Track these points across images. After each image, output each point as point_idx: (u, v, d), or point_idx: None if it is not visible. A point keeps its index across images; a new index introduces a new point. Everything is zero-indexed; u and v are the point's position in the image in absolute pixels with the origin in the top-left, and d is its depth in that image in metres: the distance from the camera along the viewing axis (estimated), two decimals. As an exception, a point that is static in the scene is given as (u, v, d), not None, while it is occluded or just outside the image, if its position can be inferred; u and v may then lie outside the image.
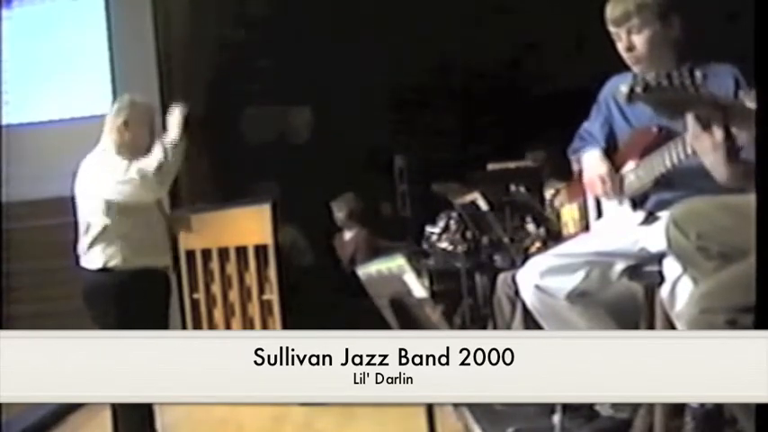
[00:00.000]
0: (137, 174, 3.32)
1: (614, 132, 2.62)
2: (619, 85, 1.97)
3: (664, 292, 2.23)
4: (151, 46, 6.63)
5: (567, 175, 2.94)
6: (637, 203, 2.48)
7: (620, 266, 2.42)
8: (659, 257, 2.24)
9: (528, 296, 2.51)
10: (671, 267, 2.16)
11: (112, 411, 3.41)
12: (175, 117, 3.44)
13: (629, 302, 2.45)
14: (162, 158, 3.34)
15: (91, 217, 3.44)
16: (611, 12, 2.42)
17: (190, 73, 6.96)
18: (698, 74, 1.83)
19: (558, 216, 3.13)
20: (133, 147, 3.46)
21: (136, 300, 3.32)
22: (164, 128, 3.49)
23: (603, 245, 2.47)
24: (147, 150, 3.46)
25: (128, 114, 3.49)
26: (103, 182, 3.40)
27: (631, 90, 1.85)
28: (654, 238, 2.26)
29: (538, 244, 4.14)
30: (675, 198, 2.23)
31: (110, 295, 3.36)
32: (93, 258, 3.44)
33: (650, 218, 2.42)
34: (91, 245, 3.44)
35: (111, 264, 3.40)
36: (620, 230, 2.47)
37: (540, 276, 2.46)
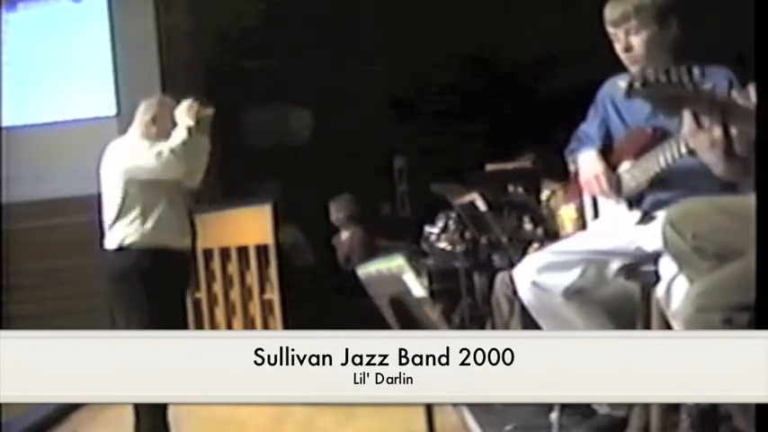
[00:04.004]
0: (164, 148, 3.42)
1: (610, 133, 2.64)
2: (617, 82, 1.97)
3: (659, 291, 2.24)
4: (153, 48, 6.64)
5: (563, 176, 2.95)
6: (633, 203, 2.49)
7: (615, 265, 2.43)
8: (655, 257, 2.24)
9: (524, 292, 2.51)
10: (666, 267, 2.17)
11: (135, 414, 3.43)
12: (185, 107, 3.54)
13: (625, 302, 2.46)
14: (186, 136, 3.45)
15: (113, 195, 3.49)
16: (609, 13, 2.43)
17: (192, 74, 6.96)
18: (696, 71, 1.84)
19: (554, 217, 3.14)
20: (158, 139, 3.55)
21: (153, 278, 3.36)
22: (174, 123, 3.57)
23: (600, 243, 2.47)
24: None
25: (156, 111, 3.60)
26: (128, 158, 3.48)
27: (630, 85, 1.86)
28: (650, 237, 2.26)
29: (536, 244, 4.14)
30: (671, 198, 2.24)
31: (129, 274, 3.40)
32: (112, 238, 3.48)
33: (646, 217, 2.43)
34: (112, 224, 3.49)
35: (128, 241, 3.44)
36: (617, 229, 2.48)
37: (536, 272, 2.46)
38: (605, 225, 2.61)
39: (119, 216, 3.47)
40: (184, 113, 3.52)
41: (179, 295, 3.59)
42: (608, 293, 2.46)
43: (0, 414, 3.20)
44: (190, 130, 3.47)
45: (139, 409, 3.39)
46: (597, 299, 2.46)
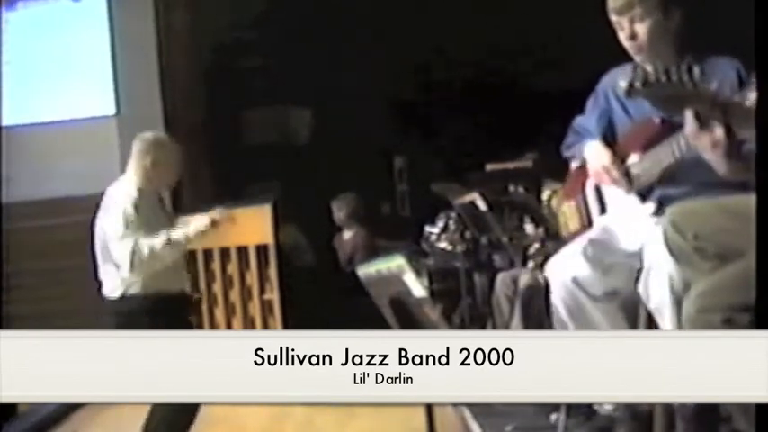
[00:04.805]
0: (127, 253, 3.32)
1: (613, 125, 2.59)
2: (618, 79, 1.96)
3: (639, 285, 2.22)
4: (153, 47, 6.64)
5: (565, 175, 2.92)
6: (645, 196, 2.46)
7: (638, 266, 2.39)
8: None
9: (559, 290, 2.45)
10: (647, 257, 2.16)
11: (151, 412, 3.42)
12: (200, 222, 3.46)
13: (633, 301, 2.43)
14: (158, 248, 3.34)
15: (107, 249, 3.44)
16: (613, 1, 2.42)
17: (191, 74, 6.96)
18: (696, 70, 1.83)
19: (556, 216, 3.11)
20: (158, 184, 3.52)
21: (157, 320, 3.30)
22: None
23: (630, 243, 2.42)
24: (171, 186, 3.57)
25: (155, 156, 3.51)
26: (111, 237, 3.39)
27: (630, 85, 1.86)
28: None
29: (536, 244, 4.14)
30: (679, 194, 2.22)
31: (131, 321, 3.35)
32: (111, 286, 3.45)
33: (661, 209, 2.38)
34: (109, 273, 3.45)
35: (130, 292, 3.41)
36: (641, 229, 2.43)
37: (576, 270, 2.41)
38: (621, 221, 2.55)
39: (115, 267, 3.42)
40: (199, 226, 3.45)
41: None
42: (627, 295, 2.43)
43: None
44: (169, 242, 3.36)
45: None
46: (625, 300, 2.43)
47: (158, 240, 3.36)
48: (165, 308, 3.40)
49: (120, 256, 3.35)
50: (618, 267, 2.41)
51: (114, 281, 3.44)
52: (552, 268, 2.54)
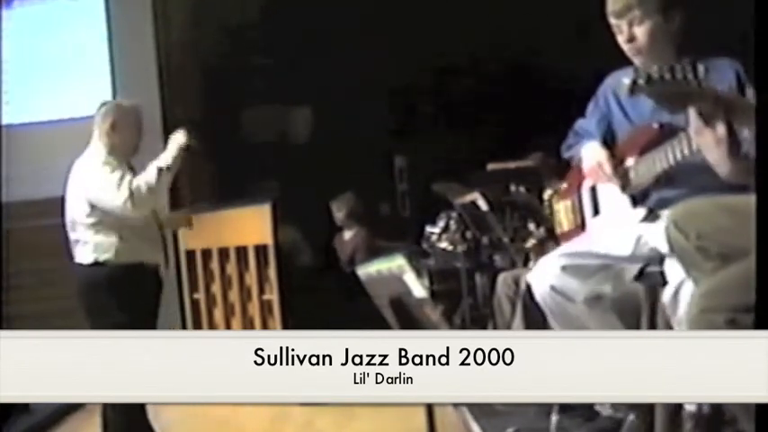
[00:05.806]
0: (126, 191, 3.37)
1: (612, 128, 2.59)
2: (621, 79, 1.95)
3: (665, 296, 2.21)
4: (151, 46, 6.64)
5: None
6: (637, 200, 2.46)
7: (633, 270, 2.39)
8: (661, 258, 2.21)
9: (542, 296, 2.45)
10: (674, 271, 2.15)
11: (102, 416, 3.44)
12: (176, 141, 3.52)
13: (631, 303, 2.43)
14: (154, 180, 3.41)
15: (81, 216, 3.49)
16: (612, 4, 2.41)
17: (190, 73, 6.96)
18: (700, 68, 1.82)
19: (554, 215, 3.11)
20: (122, 148, 3.56)
21: (127, 294, 3.36)
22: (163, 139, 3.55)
23: (618, 248, 2.41)
24: (135, 150, 3.60)
25: (114, 117, 3.56)
26: (93, 192, 3.46)
27: (634, 82, 1.85)
28: (657, 238, 2.23)
29: (533, 240, 4.14)
30: (677, 196, 2.21)
31: (102, 288, 3.40)
32: (85, 252, 3.47)
33: (651, 215, 2.40)
34: (83, 239, 3.50)
35: (104, 258, 3.45)
36: (631, 233, 2.43)
37: (556, 277, 2.40)
38: (610, 224, 2.55)
39: (90, 232, 3.48)
40: (176, 148, 3.51)
41: (151, 308, 3.59)
42: (620, 297, 2.43)
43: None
44: (160, 173, 3.42)
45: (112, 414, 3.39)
46: (614, 304, 2.42)
47: (149, 173, 3.42)
48: (134, 279, 3.44)
49: (118, 202, 3.38)
50: (603, 272, 2.40)
51: (87, 248, 3.48)
52: (532, 278, 2.55)
